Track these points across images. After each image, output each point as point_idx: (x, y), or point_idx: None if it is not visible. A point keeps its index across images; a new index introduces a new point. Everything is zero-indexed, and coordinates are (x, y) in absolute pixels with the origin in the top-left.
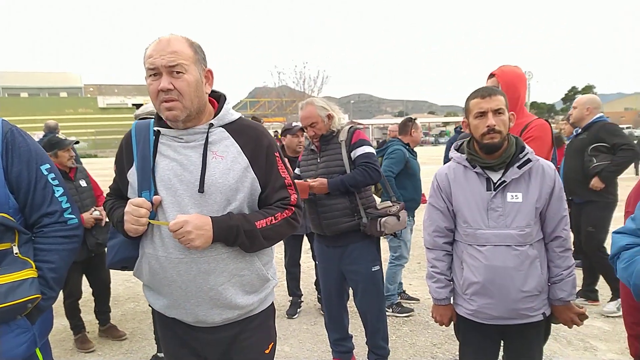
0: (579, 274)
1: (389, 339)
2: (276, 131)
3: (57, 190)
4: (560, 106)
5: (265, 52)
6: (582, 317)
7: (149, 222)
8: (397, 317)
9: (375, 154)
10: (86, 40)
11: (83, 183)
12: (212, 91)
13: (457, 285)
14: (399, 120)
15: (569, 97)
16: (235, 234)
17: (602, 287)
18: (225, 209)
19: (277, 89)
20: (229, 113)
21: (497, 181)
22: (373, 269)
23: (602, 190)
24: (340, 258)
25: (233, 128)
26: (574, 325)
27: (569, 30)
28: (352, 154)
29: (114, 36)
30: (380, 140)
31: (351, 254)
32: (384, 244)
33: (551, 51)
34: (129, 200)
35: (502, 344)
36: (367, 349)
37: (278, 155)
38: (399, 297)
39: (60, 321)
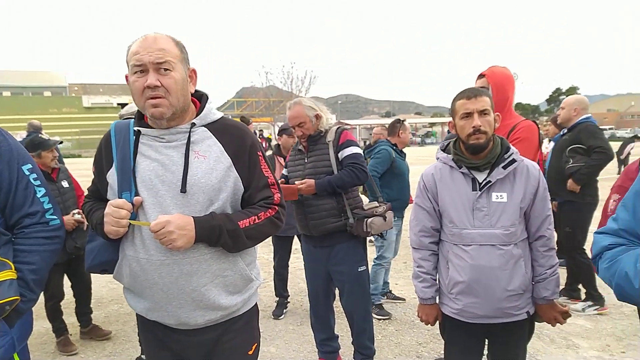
0: (562, 273)
1: (375, 338)
2: (261, 130)
3: (39, 191)
4: (545, 107)
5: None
6: (565, 315)
7: (130, 224)
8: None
9: (363, 154)
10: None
11: (65, 184)
12: (195, 91)
13: (443, 284)
14: (386, 120)
15: (553, 98)
16: (218, 233)
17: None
18: (208, 209)
19: (265, 89)
20: (212, 112)
21: (483, 181)
22: (359, 269)
23: (580, 191)
24: (327, 258)
25: (215, 127)
26: (557, 324)
27: (554, 32)
28: (339, 155)
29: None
30: (368, 142)
31: (338, 254)
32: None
33: (536, 53)
34: (109, 202)
35: (486, 343)
36: (353, 348)
37: (261, 154)
38: (385, 297)
39: (42, 324)
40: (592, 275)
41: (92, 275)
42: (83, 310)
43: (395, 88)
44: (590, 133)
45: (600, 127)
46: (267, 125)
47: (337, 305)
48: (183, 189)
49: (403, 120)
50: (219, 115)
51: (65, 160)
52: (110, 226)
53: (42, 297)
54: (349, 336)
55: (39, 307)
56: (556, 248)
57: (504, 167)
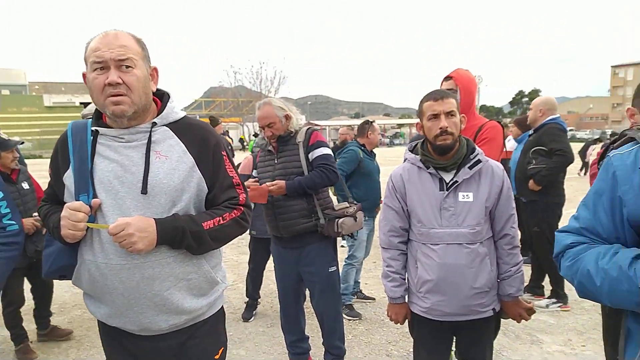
0: (526, 271)
1: (345, 338)
2: (227, 130)
3: None
4: (508, 109)
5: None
6: (530, 311)
7: (88, 227)
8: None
9: (333, 155)
10: (32, 35)
11: (25, 185)
12: (156, 89)
13: (412, 283)
14: (356, 121)
15: (516, 100)
16: (181, 235)
17: (549, 283)
18: (171, 211)
19: (233, 89)
20: (173, 112)
21: (450, 181)
22: (330, 270)
23: (544, 191)
24: (298, 259)
25: (178, 127)
26: (522, 320)
27: (517, 35)
28: (309, 156)
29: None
30: (337, 142)
31: (308, 255)
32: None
33: (499, 55)
34: (66, 204)
35: (454, 340)
36: (323, 349)
37: (225, 154)
38: (355, 297)
39: (0, 332)
40: None
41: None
42: (43, 314)
43: (365, 89)
44: (552, 136)
45: None
46: (236, 126)
47: (308, 306)
48: (144, 190)
49: (372, 122)
50: (181, 114)
51: (26, 161)
52: (67, 230)
53: None
54: (319, 337)
55: None
56: (520, 246)
57: (470, 168)
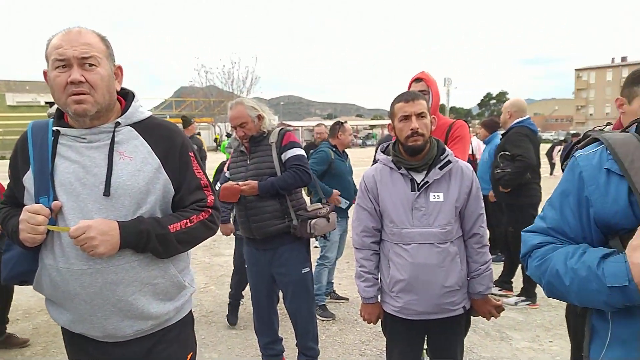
0: (495, 269)
1: (319, 338)
2: (198, 132)
3: None
4: (477, 111)
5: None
6: (499, 309)
7: (48, 230)
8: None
9: (307, 156)
10: None
11: None
12: (121, 89)
13: (384, 283)
14: (328, 122)
15: (485, 102)
16: (145, 239)
17: (517, 279)
18: (135, 214)
19: (205, 89)
20: (138, 111)
21: (421, 182)
22: (303, 271)
23: (515, 193)
24: (271, 261)
25: (143, 127)
26: (492, 317)
27: (485, 38)
28: (282, 156)
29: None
30: (316, 142)
31: (281, 256)
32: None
33: (468, 58)
34: (25, 207)
35: (426, 338)
36: (297, 350)
37: (193, 155)
38: (329, 297)
39: None
40: None
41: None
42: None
43: (337, 90)
44: (514, 141)
45: None
46: (208, 126)
47: (281, 307)
48: (106, 192)
49: (343, 122)
50: (146, 114)
51: None
52: (26, 233)
53: None
54: (293, 338)
55: None
56: (489, 245)
57: (440, 168)
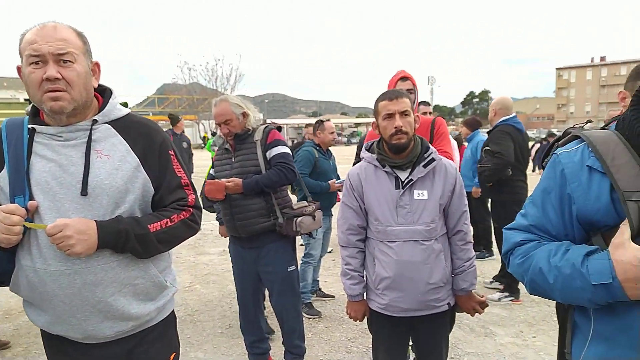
0: (479, 265)
1: (305, 336)
2: (182, 132)
3: None
4: (460, 109)
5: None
6: (483, 305)
7: (24, 231)
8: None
9: (292, 154)
10: None
11: None
12: (98, 85)
13: (370, 280)
14: (313, 120)
15: (467, 100)
16: (124, 239)
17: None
18: (114, 213)
19: (188, 86)
20: (116, 108)
21: (405, 180)
22: (289, 269)
23: (499, 190)
24: (256, 259)
25: (121, 125)
26: (476, 313)
27: (469, 37)
28: (267, 154)
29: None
30: (295, 141)
31: (267, 254)
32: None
33: (452, 57)
34: (0, 207)
35: (411, 335)
36: (283, 348)
37: (173, 153)
38: (315, 295)
39: None
40: None
41: None
42: None
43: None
44: (496, 138)
45: None
46: (191, 124)
47: (267, 305)
48: (83, 192)
49: (323, 121)
50: (124, 111)
51: None
52: (1, 234)
53: None
54: (279, 336)
55: None
56: (472, 242)
57: (424, 166)
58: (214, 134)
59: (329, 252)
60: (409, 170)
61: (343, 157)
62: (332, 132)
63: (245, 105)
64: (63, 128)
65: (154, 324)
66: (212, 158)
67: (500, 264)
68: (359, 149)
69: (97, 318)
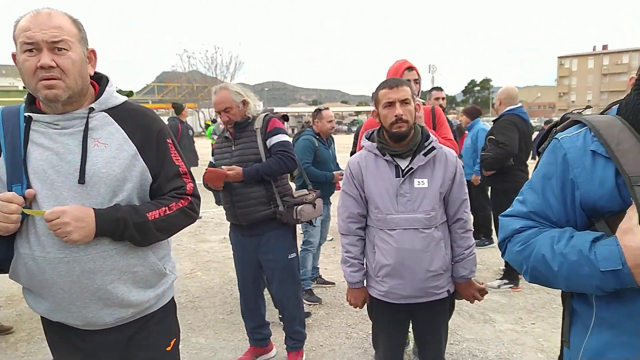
0: (478, 253)
1: (306, 322)
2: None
3: None
4: (461, 98)
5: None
6: (482, 292)
7: (22, 220)
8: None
9: (292, 142)
10: None
11: None
12: (94, 73)
13: (370, 268)
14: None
15: (468, 89)
16: (122, 227)
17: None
18: (112, 201)
19: (188, 74)
20: (113, 96)
21: (405, 168)
22: (289, 257)
23: (500, 178)
24: (257, 247)
25: (118, 113)
26: (476, 300)
27: (470, 26)
28: (267, 142)
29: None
30: (295, 130)
31: (267, 242)
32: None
33: (453, 45)
34: None
35: (411, 321)
36: (284, 334)
37: (171, 141)
38: (315, 282)
39: None
40: None
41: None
42: None
43: (322, 77)
44: (501, 128)
45: None
46: (192, 112)
47: (267, 292)
48: (81, 180)
49: (322, 109)
50: (121, 99)
51: None
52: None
53: None
54: (280, 322)
55: None
56: (472, 229)
57: (425, 155)
58: (213, 121)
59: (330, 240)
60: (409, 158)
61: (343, 146)
62: (331, 121)
63: (246, 93)
64: (60, 116)
65: (153, 310)
66: (212, 145)
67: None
68: (356, 138)
69: (97, 305)
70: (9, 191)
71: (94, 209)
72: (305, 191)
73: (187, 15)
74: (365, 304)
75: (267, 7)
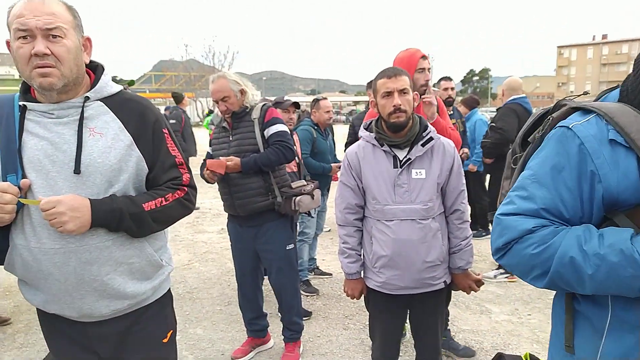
0: (475, 244)
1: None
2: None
3: None
4: (460, 88)
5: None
6: (479, 283)
7: (18, 208)
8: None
9: (290, 132)
10: None
11: None
12: (90, 61)
13: (367, 259)
14: (311, 98)
15: (467, 79)
16: (118, 218)
17: None
18: (108, 192)
19: (185, 63)
20: (108, 85)
21: (403, 159)
22: (287, 248)
23: (497, 165)
24: (255, 238)
25: (113, 102)
26: (472, 291)
27: (469, 14)
28: (265, 132)
29: None
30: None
31: (266, 233)
32: None
33: (452, 35)
34: None
35: (408, 312)
36: (281, 325)
37: (167, 131)
38: (313, 273)
39: None
40: None
41: None
42: None
43: (320, 66)
44: (501, 115)
45: None
46: (189, 101)
47: (265, 282)
48: (77, 170)
49: (319, 99)
50: (117, 88)
51: None
52: None
53: None
54: (277, 313)
55: None
56: (469, 220)
57: (423, 145)
58: (210, 112)
59: (327, 231)
60: (407, 149)
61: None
62: (328, 111)
63: (243, 82)
64: (55, 105)
65: (150, 302)
66: (209, 135)
67: None
68: (352, 128)
69: (93, 297)
70: (3, 181)
71: (89, 199)
72: (303, 182)
73: (188, 27)
74: (363, 295)
75: (268, 15)
